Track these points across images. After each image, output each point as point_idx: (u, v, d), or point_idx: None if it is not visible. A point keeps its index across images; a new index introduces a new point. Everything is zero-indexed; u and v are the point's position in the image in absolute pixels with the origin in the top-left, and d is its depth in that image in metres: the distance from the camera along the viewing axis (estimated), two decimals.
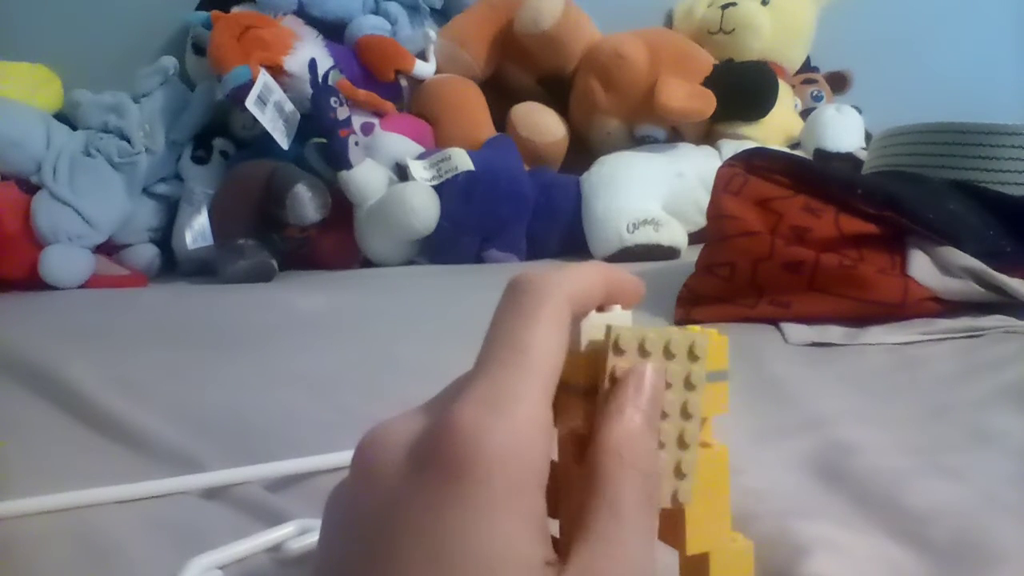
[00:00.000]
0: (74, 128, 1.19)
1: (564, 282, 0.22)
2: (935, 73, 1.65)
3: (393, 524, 0.19)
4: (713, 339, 0.24)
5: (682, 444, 0.22)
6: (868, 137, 1.29)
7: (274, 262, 1.07)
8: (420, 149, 1.20)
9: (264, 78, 1.09)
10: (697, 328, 0.24)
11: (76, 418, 0.49)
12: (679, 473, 0.22)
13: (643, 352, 0.22)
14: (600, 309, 0.23)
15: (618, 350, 0.22)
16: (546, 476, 0.20)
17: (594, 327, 0.23)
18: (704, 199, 0.78)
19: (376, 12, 1.38)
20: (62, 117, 1.23)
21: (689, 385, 0.23)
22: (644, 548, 0.20)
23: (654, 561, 0.20)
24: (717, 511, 0.24)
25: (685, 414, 0.23)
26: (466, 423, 0.19)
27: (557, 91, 1.35)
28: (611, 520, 0.20)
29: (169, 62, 1.22)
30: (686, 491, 0.22)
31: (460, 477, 0.19)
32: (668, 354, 0.22)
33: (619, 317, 0.23)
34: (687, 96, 1.20)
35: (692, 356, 0.23)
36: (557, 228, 1.17)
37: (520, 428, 0.19)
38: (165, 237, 1.22)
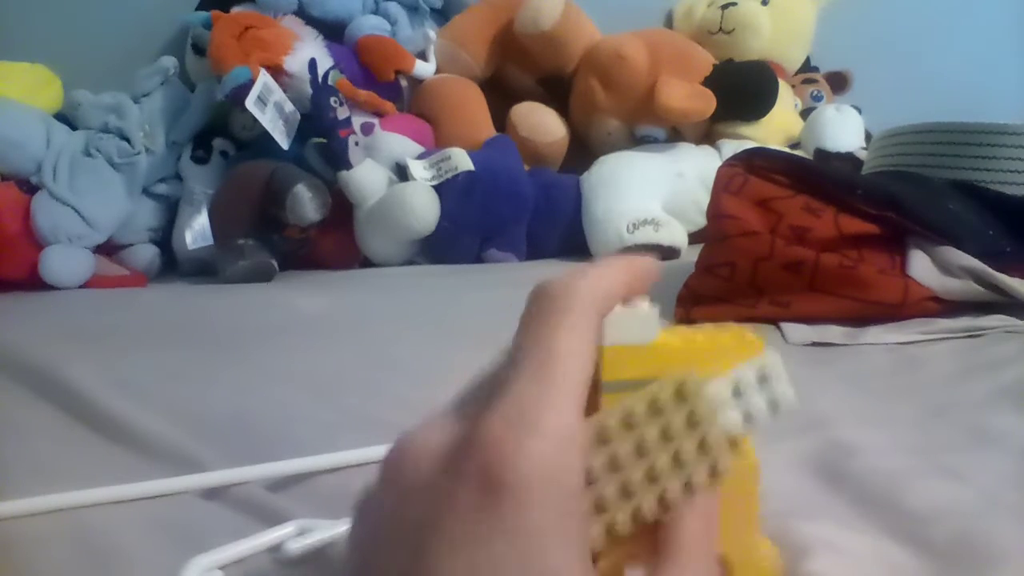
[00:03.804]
0: (74, 128, 1.19)
1: (589, 288, 0.22)
2: (935, 73, 1.65)
3: (437, 541, 0.19)
4: (746, 339, 0.24)
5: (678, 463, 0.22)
6: (868, 137, 1.29)
7: (274, 262, 1.07)
8: (420, 149, 1.20)
9: (264, 78, 1.09)
10: (727, 332, 0.24)
11: (76, 418, 0.49)
12: (678, 463, 0.22)
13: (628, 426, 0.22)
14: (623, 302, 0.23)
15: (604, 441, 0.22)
16: (583, 496, 0.20)
17: (617, 322, 0.23)
18: (704, 199, 0.78)
19: (376, 12, 1.38)
20: (62, 117, 1.22)
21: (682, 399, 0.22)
22: None
23: None
24: (741, 520, 0.24)
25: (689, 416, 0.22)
26: (497, 439, 0.19)
27: (557, 91, 1.35)
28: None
29: (169, 62, 1.22)
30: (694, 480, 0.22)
31: (500, 498, 0.19)
32: (655, 410, 0.22)
33: (645, 313, 0.23)
34: (687, 96, 1.20)
35: (680, 397, 0.22)
36: (557, 228, 1.17)
37: (551, 443, 0.19)
38: (165, 237, 1.22)
